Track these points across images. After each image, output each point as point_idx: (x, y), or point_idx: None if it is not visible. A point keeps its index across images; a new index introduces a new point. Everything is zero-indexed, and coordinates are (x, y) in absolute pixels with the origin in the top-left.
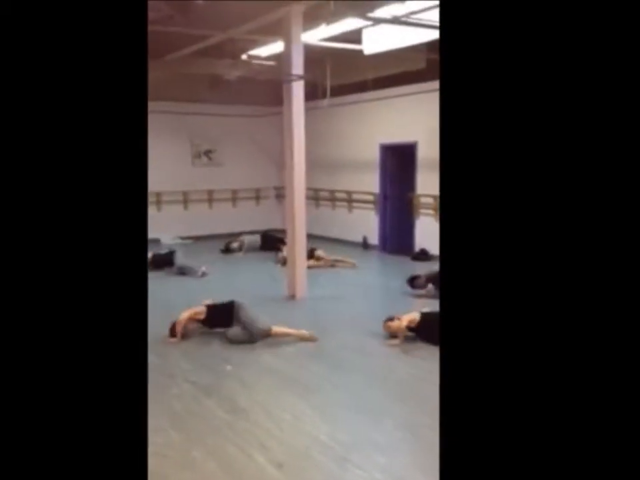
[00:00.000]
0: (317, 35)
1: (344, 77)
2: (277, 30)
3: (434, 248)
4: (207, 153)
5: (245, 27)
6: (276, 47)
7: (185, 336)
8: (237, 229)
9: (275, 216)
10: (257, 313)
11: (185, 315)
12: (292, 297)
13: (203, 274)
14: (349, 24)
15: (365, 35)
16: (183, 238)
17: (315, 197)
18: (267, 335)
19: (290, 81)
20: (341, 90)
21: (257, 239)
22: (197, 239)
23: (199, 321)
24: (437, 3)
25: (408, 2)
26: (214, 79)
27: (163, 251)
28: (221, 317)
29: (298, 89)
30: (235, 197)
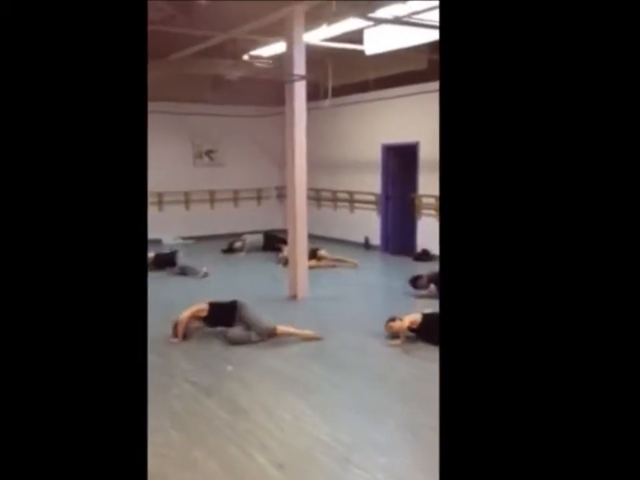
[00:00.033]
0: (319, 35)
1: (345, 77)
2: (279, 30)
3: (436, 248)
4: (209, 153)
5: (247, 27)
6: (278, 47)
7: (187, 336)
8: (238, 229)
9: (276, 216)
10: (260, 313)
11: (186, 313)
12: (293, 297)
13: (205, 275)
14: (350, 24)
15: (367, 35)
16: (184, 238)
17: (316, 197)
18: (272, 334)
19: (292, 81)
20: (342, 90)
21: (259, 238)
22: (199, 239)
23: (200, 318)
24: (438, 3)
25: (410, 2)
26: (216, 79)
27: (165, 251)
28: (223, 315)
29: (300, 89)
30: (236, 197)
